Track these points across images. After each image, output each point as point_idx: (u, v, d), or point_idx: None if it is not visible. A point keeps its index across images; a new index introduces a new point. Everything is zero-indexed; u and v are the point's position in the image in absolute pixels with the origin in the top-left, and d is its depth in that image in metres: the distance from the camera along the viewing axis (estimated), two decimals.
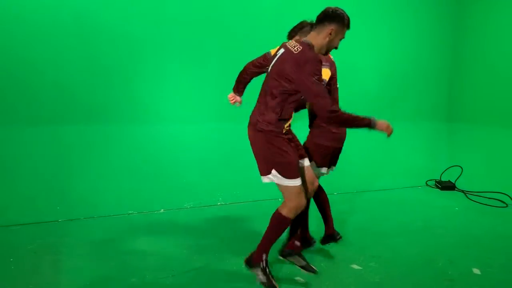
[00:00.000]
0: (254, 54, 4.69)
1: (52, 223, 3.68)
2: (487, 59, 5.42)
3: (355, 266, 2.94)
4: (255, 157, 2.50)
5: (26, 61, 3.77)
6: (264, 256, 2.53)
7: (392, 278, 2.80)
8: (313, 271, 2.73)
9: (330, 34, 2.35)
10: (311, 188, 2.64)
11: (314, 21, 2.46)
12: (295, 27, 2.77)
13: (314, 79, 2.23)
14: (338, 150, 2.95)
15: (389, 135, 2.42)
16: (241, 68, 4.61)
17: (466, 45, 5.79)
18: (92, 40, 3.99)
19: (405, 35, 5.62)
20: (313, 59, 2.27)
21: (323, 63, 2.56)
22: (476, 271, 2.93)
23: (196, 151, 4.53)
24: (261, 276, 2.52)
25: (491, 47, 5.37)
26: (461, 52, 5.88)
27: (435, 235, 3.65)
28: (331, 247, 3.24)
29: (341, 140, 2.92)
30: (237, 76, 3.18)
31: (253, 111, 2.53)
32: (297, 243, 2.82)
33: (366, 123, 2.35)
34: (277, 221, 2.49)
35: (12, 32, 3.69)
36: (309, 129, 2.97)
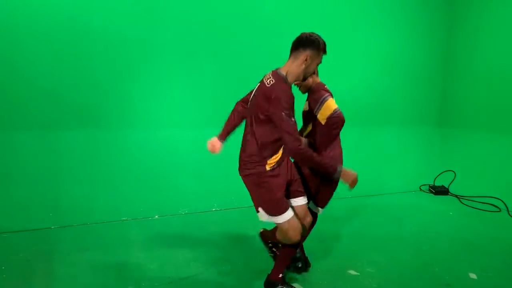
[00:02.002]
0: (249, 59, 4.73)
1: (44, 230, 3.62)
2: (479, 65, 5.48)
3: (352, 272, 2.94)
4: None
5: (16, 66, 3.74)
6: (280, 275, 2.59)
7: (389, 283, 2.80)
8: None
9: (306, 60, 2.30)
10: (304, 223, 2.51)
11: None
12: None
13: (283, 114, 2.19)
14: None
15: (351, 188, 2.41)
16: (236, 72, 4.64)
17: (458, 51, 5.86)
18: (85, 44, 3.97)
19: (397, 40, 5.67)
20: (283, 93, 2.21)
21: (325, 95, 2.52)
22: (472, 275, 2.94)
23: (190, 156, 4.51)
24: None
25: (483, 53, 5.44)
26: (453, 58, 5.95)
27: (430, 239, 3.66)
28: (327, 253, 3.23)
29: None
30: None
31: (240, 151, 2.51)
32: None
33: (330, 171, 2.37)
34: (287, 251, 2.55)
35: (1, 35, 3.65)
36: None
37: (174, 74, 4.42)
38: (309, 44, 2.30)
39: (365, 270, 2.97)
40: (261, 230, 2.92)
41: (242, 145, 2.48)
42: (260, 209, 2.43)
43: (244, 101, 2.70)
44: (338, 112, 2.51)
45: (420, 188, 5.62)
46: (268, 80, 2.30)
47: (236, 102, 2.76)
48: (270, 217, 2.39)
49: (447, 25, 5.96)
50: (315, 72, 2.48)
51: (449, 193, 5.34)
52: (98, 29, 4.00)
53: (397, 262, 3.15)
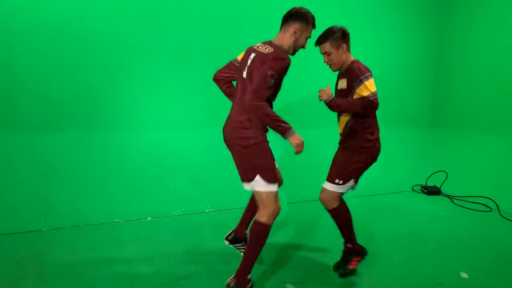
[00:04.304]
0: None
1: (36, 232, 3.59)
2: (470, 65, 5.54)
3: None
4: (237, 164, 2.50)
5: (7, 67, 3.70)
6: (248, 277, 2.49)
7: (382, 283, 2.81)
8: None
9: (295, 33, 2.43)
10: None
11: (343, 27, 2.59)
12: (324, 33, 2.66)
13: (269, 72, 2.26)
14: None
15: (296, 153, 2.44)
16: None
17: (449, 52, 5.91)
18: (77, 45, 3.95)
19: (388, 41, 5.71)
20: (281, 60, 2.31)
21: (367, 73, 2.56)
22: (464, 275, 2.96)
23: (183, 157, 4.50)
24: None
25: (474, 54, 5.49)
26: (444, 59, 6.00)
27: (422, 239, 3.69)
28: (320, 253, 3.24)
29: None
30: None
31: (229, 122, 2.51)
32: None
33: (283, 129, 2.35)
34: (258, 232, 2.43)
35: None
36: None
37: (167, 75, 4.41)
38: (298, 17, 2.43)
39: (357, 270, 2.97)
40: (227, 234, 3.05)
41: (230, 117, 2.52)
42: (258, 176, 2.38)
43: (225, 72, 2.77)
44: (375, 96, 2.54)
45: (412, 189, 5.66)
46: (268, 49, 2.36)
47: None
48: (267, 184, 2.38)
49: (438, 26, 6.01)
50: (304, 46, 2.54)
51: (441, 193, 5.38)
52: (90, 31, 3.98)
53: (390, 262, 3.17)
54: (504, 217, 4.43)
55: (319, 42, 2.67)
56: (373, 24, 5.54)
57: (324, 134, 4.60)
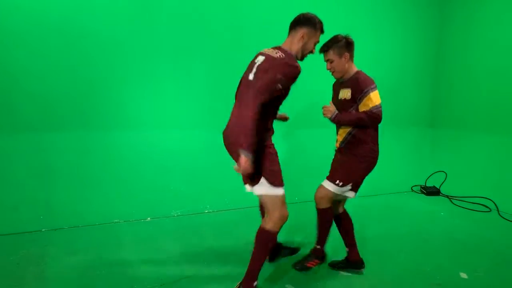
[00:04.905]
0: (241, 59, 4.71)
1: (35, 233, 3.59)
2: (470, 65, 5.54)
3: (344, 273, 2.95)
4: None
5: (6, 67, 3.69)
6: (255, 283, 2.42)
7: (381, 283, 2.82)
8: None
9: (303, 37, 2.40)
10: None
11: (347, 36, 2.60)
12: (329, 41, 2.68)
13: (277, 76, 2.21)
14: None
15: (237, 171, 2.19)
16: (228, 73, 4.63)
17: (448, 52, 5.92)
18: (75, 45, 3.94)
19: (388, 42, 5.71)
20: (292, 66, 2.26)
21: (372, 85, 2.59)
22: (463, 275, 2.97)
23: (183, 158, 4.50)
24: None
25: (473, 54, 5.50)
26: (443, 59, 6.00)
27: (422, 240, 3.69)
28: None
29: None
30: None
31: (229, 127, 2.43)
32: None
33: (243, 146, 2.15)
34: (264, 239, 2.38)
35: None
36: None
37: (165, 75, 4.40)
38: (305, 22, 2.40)
39: (363, 270, 2.99)
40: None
41: (231, 118, 2.44)
42: (262, 179, 2.33)
43: None
44: (378, 108, 2.58)
45: (411, 189, 5.67)
46: (278, 54, 2.32)
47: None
48: (273, 188, 2.33)
49: (438, 26, 6.02)
50: (312, 52, 2.51)
51: (441, 194, 5.38)
52: (89, 31, 3.97)
53: (389, 263, 3.17)
54: (503, 218, 4.44)
55: (323, 49, 2.71)
56: (372, 24, 5.54)
57: (325, 134, 4.60)
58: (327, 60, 2.72)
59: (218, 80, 4.61)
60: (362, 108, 2.60)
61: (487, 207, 4.78)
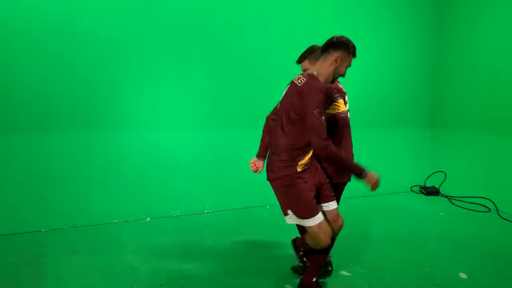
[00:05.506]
0: (242, 60, 4.73)
1: (34, 233, 3.59)
2: (469, 66, 5.54)
3: (344, 273, 2.95)
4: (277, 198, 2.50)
5: (7, 67, 3.69)
6: (314, 279, 2.57)
7: (381, 283, 2.82)
8: None
9: (336, 61, 2.34)
10: (335, 226, 2.53)
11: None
12: (305, 51, 2.69)
13: (315, 111, 2.21)
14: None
15: (372, 189, 2.40)
16: (228, 73, 4.64)
17: (448, 53, 5.91)
18: (76, 45, 3.93)
19: (387, 42, 5.71)
20: (316, 90, 2.25)
21: (337, 95, 2.58)
22: (463, 275, 2.97)
23: (182, 158, 4.49)
24: None
25: (472, 54, 5.49)
26: (443, 60, 6.00)
27: (421, 240, 3.69)
28: None
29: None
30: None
31: (269, 155, 2.51)
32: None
33: (357, 171, 2.36)
34: (315, 259, 2.56)
35: None
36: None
37: (167, 75, 4.40)
38: (339, 46, 2.36)
39: (356, 270, 2.98)
40: (294, 237, 2.99)
41: (271, 148, 2.49)
42: (289, 211, 2.38)
43: (273, 114, 2.80)
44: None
45: (411, 189, 5.67)
46: (300, 80, 2.35)
47: (266, 117, 2.88)
48: (300, 220, 2.36)
49: (437, 26, 6.02)
50: (343, 75, 2.47)
51: (440, 194, 5.39)
52: (90, 31, 3.97)
53: (389, 263, 3.17)
54: (502, 218, 4.44)
55: (300, 60, 2.72)
56: (371, 24, 5.53)
57: None
58: (304, 70, 2.69)
59: (219, 81, 4.61)
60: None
61: (486, 207, 4.79)
